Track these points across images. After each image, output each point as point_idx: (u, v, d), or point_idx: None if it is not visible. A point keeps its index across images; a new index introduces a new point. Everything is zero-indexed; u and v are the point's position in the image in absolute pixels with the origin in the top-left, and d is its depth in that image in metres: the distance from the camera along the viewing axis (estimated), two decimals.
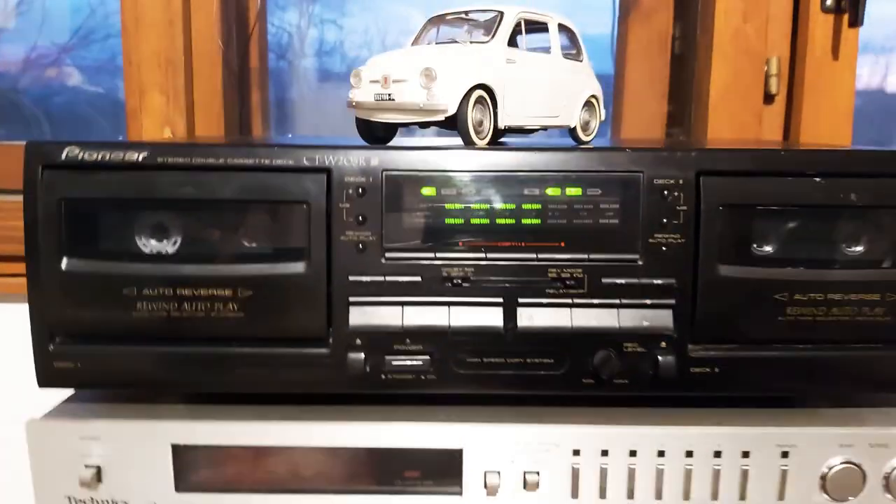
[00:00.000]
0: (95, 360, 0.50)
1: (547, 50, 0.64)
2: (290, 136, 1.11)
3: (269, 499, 0.51)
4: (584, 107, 0.67)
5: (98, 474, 0.51)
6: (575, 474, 0.51)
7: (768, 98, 0.94)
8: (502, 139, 0.72)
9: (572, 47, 0.68)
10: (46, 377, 0.50)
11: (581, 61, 0.68)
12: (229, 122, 0.92)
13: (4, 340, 0.50)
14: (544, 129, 0.65)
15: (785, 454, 0.51)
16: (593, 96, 0.69)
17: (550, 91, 0.63)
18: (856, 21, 0.87)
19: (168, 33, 0.84)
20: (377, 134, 0.61)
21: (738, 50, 0.91)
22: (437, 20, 0.63)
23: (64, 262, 0.49)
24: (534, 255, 0.50)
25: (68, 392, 0.55)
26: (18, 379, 0.51)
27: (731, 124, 0.93)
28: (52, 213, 0.48)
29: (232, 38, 0.92)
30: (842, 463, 0.51)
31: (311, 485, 0.51)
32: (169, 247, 0.50)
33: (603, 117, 0.71)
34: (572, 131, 0.67)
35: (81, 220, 0.49)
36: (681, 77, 1.03)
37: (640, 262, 0.50)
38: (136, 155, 0.48)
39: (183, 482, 0.51)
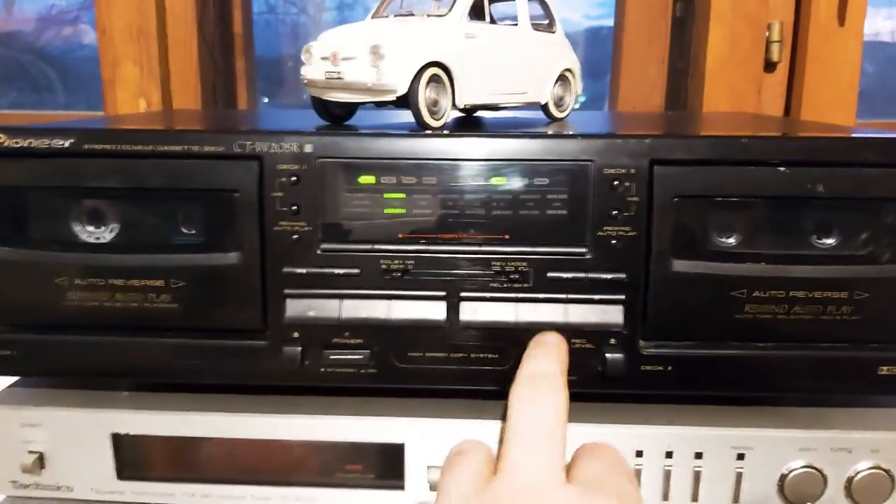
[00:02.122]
0: (32, 348, 0.50)
1: (516, 21, 0.61)
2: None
3: (209, 489, 0.51)
4: (557, 81, 0.64)
5: (41, 460, 0.51)
6: None
7: (770, 66, 0.89)
8: (476, 115, 0.70)
9: (544, 18, 0.64)
10: None
11: (554, 32, 0.64)
12: (206, 92, 0.90)
13: None
14: (511, 106, 0.62)
15: (741, 456, 0.49)
16: (568, 70, 0.65)
17: (517, 66, 0.60)
18: None
19: (139, 2, 0.82)
20: (335, 112, 0.59)
21: (736, 14, 0.86)
22: None
23: None
24: (477, 248, 0.47)
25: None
26: None
27: (730, 94, 0.89)
28: None
29: (208, 7, 0.89)
30: (802, 467, 0.49)
31: (251, 476, 0.51)
32: (104, 234, 0.49)
33: (580, 91, 0.67)
34: (544, 107, 0.64)
35: (10, 208, 0.48)
36: (681, 42, 0.98)
37: (588, 256, 0.47)
38: (62, 142, 0.46)
39: (124, 470, 0.51)
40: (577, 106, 1.14)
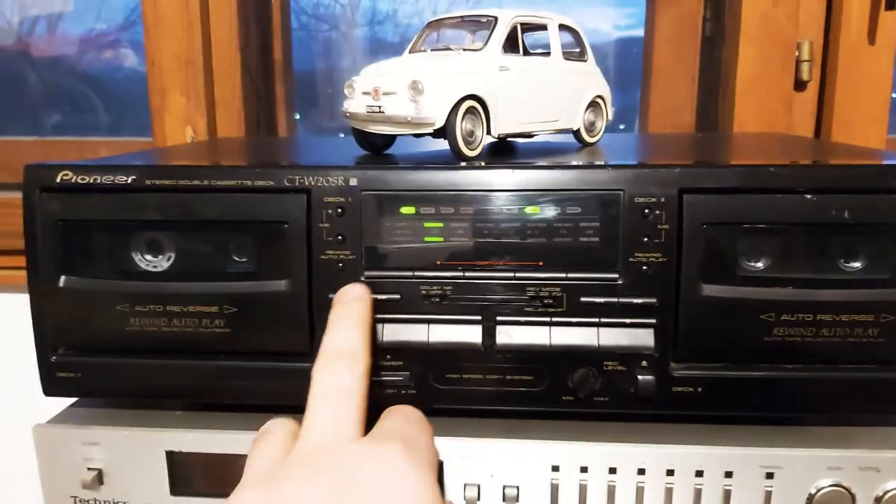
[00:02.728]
0: (94, 371, 0.53)
1: (549, 51, 0.63)
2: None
3: None
4: (588, 108, 0.66)
5: (99, 477, 0.54)
6: (554, 489, 0.51)
7: (800, 85, 0.90)
8: (510, 140, 0.72)
9: (576, 46, 0.66)
10: (50, 386, 0.53)
11: (585, 61, 0.67)
12: (249, 119, 0.94)
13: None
14: (543, 133, 0.64)
15: (770, 475, 0.50)
16: (599, 97, 0.67)
17: (549, 95, 0.62)
18: (893, 3, 0.83)
19: (187, 34, 0.86)
20: (375, 142, 0.62)
21: (766, 35, 0.88)
22: (436, 24, 0.63)
23: (62, 280, 0.52)
24: (512, 274, 0.50)
25: None
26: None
27: (760, 113, 0.90)
28: (49, 233, 0.51)
29: (251, 38, 0.93)
30: (830, 486, 0.50)
31: None
32: (162, 263, 0.52)
33: (611, 117, 0.69)
34: (576, 133, 0.66)
35: (77, 239, 0.51)
36: (711, 61, 1.00)
37: (619, 281, 0.49)
38: (125, 178, 0.50)
39: (177, 486, 0.54)
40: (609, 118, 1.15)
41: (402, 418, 0.40)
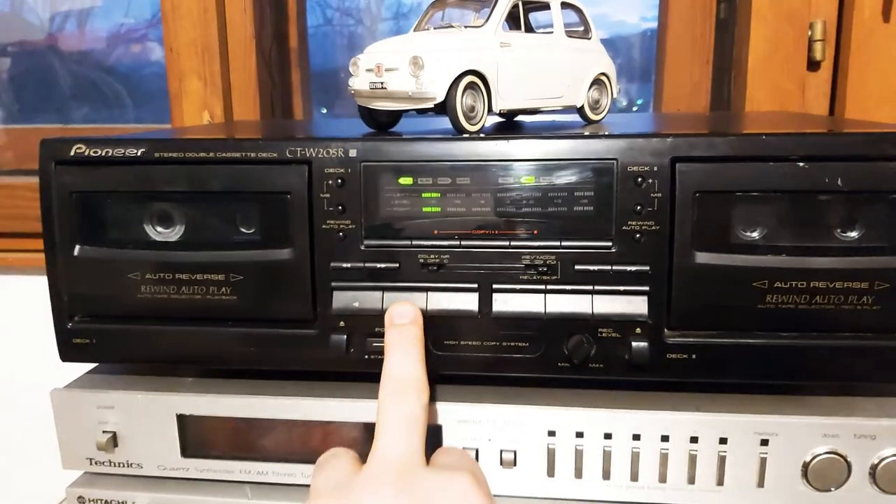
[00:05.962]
0: (107, 337, 0.55)
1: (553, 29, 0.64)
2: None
3: (265, 466, 0.55)
4: (592, 85, 0.67)
5: (114, 439, 0.56)
6: (551, 454, 0.52)
7: (814, 65, 0.90)
8: (516, 119, 0.73)
9: (580, 24, 0.67)
10: (67, 352, 0.56)
11: (589, 39, 0.67)
12: (264, 104, 0.96)
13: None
14: (549, 110, 0.65)
15: (765, 442, 0.50)
16: (603, 74, 0.68)
17: (552, 72, 0.63)
18: None
19: (203, 20, 0.88)
20: (380, 119, 0.63)
21: (778, 14, 0.87)
22: (440, 4, 0.64)
23: (76, 250, 0.54)
24: (507, 243, 0.51)
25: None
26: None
27: (772, 93, 0.90)
28: (64, 204, 0.53)
29: (266, 24, 0.95)
30: (825, 453, 0.50)
31: (300, 455, 0.55)
32: (171, 234, 0.54)
33: (616, 95, 0.70)
34: (580, 110, 0.67)
35: (90, 210, 0.54)
36: (725, 43, 0.99)
37: (613, 249, 0.50)
38: (135, 151, 0.52)
39: (188, 449, 0.56)
40: (634, 109, 1.15)
41: (459, 456, 0.45)
